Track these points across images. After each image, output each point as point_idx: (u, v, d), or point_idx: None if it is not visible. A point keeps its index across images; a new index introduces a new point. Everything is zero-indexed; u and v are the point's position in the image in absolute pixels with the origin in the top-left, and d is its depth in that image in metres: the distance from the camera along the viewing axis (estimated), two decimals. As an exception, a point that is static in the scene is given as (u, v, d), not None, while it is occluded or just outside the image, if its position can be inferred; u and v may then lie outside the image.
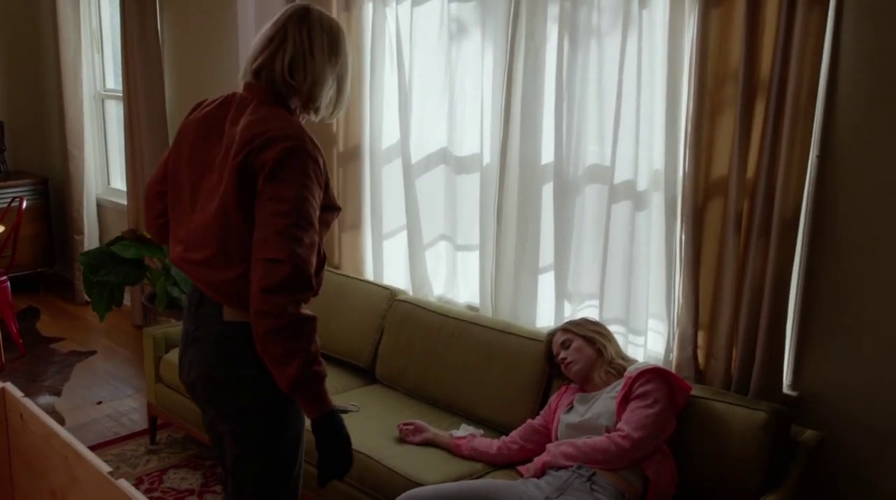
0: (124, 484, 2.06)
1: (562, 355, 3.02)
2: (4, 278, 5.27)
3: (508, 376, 3.30)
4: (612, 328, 3.22)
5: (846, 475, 2.88)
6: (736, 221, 2.88)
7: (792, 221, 2.78)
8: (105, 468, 2.32)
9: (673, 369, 3.13)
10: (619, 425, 2.74)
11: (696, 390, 2.87)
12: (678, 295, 3.09)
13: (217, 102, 2.27)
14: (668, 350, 3.16)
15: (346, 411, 3.41)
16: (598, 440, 2.73)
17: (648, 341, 3.25)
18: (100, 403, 4.78)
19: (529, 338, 3.31)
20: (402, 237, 4.02)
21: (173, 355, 4.02)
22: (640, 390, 2.77)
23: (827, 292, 2.85)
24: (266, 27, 2.20)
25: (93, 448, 4.21)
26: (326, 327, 4.04)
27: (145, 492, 3.80)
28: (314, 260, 2.09)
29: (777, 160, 2.76)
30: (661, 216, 3.10)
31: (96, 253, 4.61)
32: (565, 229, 3.38)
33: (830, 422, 2.88)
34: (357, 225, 4.21)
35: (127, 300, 5.60)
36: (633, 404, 2.76)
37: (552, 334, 3.12)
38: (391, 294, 3.87)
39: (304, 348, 2.02)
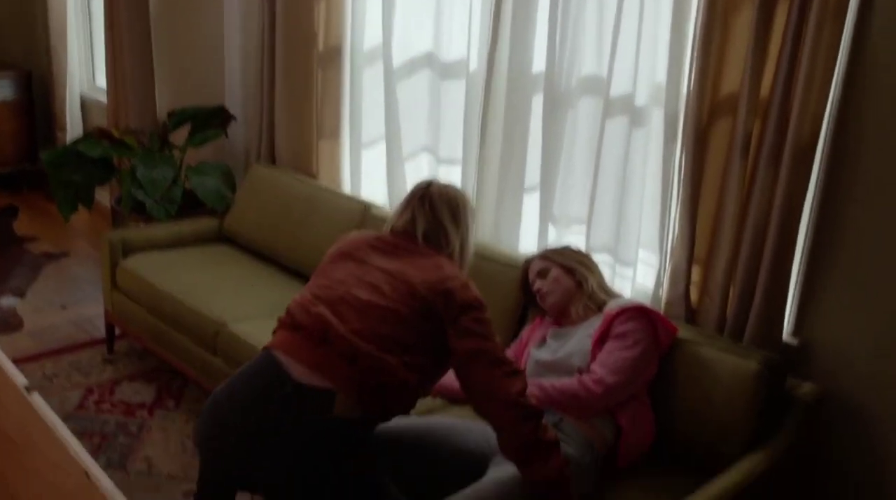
0: (37, 399, 1.90)
1: (537, 284, 2.71)
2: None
3: (481, 305, 3.00)
4: (599, 258, 2.91)
5: (847, 434, 2.58)
6: (744, 145, 2.53)
7: (807, 147, 2.43)
8: (22, 381, 2.11)
9: (662, 306, 2.82)
10: (593, 367, 2.44)
11: (684, 332, 2.56)
12: (673, 224, 2.75)
13: None
14: (658, 285, 2.85)
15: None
16: (568, 382, 2.43)
17: (638, 273, 2.93)
18: (64, 307, 4.55)
19: (506, 264, 3.00)
20: (383, 147, 3.69)
21: (131, 262, 3.77)
22: (620, 329, 2.46)
23: (842, 231, 2.50)
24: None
25: (48, 355, 4.00)
26: (296, 240, 3.76)
27: (94, 403, 3.58)
28: None
29: (796, 77, 2.40)
30: (660, 135, 2.75)
31: (60, 151, 4.30)
32: (554, 146, 3.03)
33: (834, 375, 2.57)
34: (335, 133, 3.89)
35: (107, 201, 5.33)
36: (610, 345, 2.46)
37: (529, 261, 2.80)
38: (364, 208, 3.57)
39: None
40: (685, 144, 2.64)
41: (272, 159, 4.26)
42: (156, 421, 3.48)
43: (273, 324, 3.23)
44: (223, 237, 4.15)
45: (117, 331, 4.00)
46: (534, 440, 2.09)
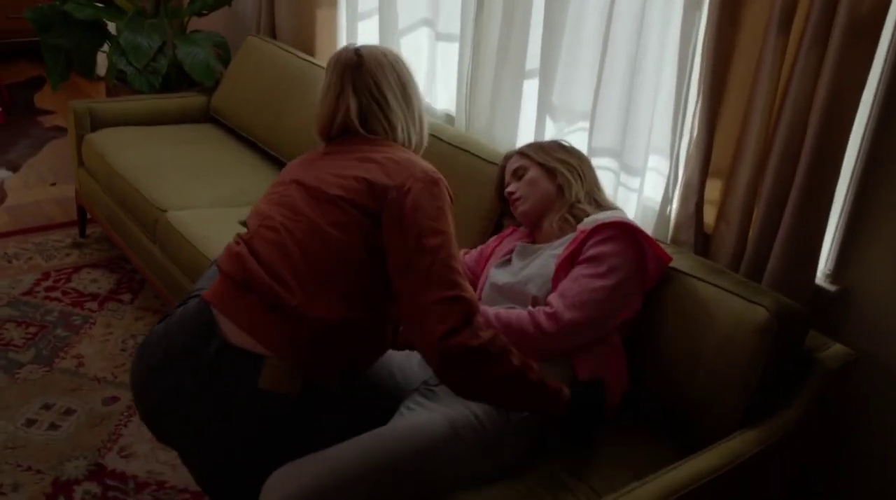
0: None
1: (511, 187, 2.14)
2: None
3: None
4: (602, 162, 2.33)
5: (883, 413, 1.97)
6: (784, 19, 1.88)
7: (868, 26, 1.77)
8: None
9: (669, 230, 2.23)
10: (551, 297, 1.88)
11: (682, 262, 1.97)
12: (690, 122, 2.13)
13: None
14: (665, 201, 2.24)
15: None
16: (518, 314, 1.87)
17: (646, 184, 2.33)
18: (54, 184, 4.20)
19: (486, 160, 2.44)
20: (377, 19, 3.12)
21: (98, 136, 3.36)
22: (593, 251, 1.89)
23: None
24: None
25: (17, 233, 3.65)
26: (276, 121, 3.28)
27: (45, 290, 3.21)
28: None
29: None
30: (681, 6, 2.11)
31: (46, 9, 3.86)
32: (559, 16, 2.41)
33: (881, 337, 1.95)
34: (332, 1, 3.33)
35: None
36: (577, 270, 1.89)
37: (508, 156, 2.24)
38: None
39: None
40: (711, 14, 2.00)
41: (272, 34, 3.74)
42: (103, 316, 3.09)
43: (220, 217, 2.79)
44: (211, 117, 3.68)
45: (90, 214, 3.62)
46: (491, 381, 1.62)
